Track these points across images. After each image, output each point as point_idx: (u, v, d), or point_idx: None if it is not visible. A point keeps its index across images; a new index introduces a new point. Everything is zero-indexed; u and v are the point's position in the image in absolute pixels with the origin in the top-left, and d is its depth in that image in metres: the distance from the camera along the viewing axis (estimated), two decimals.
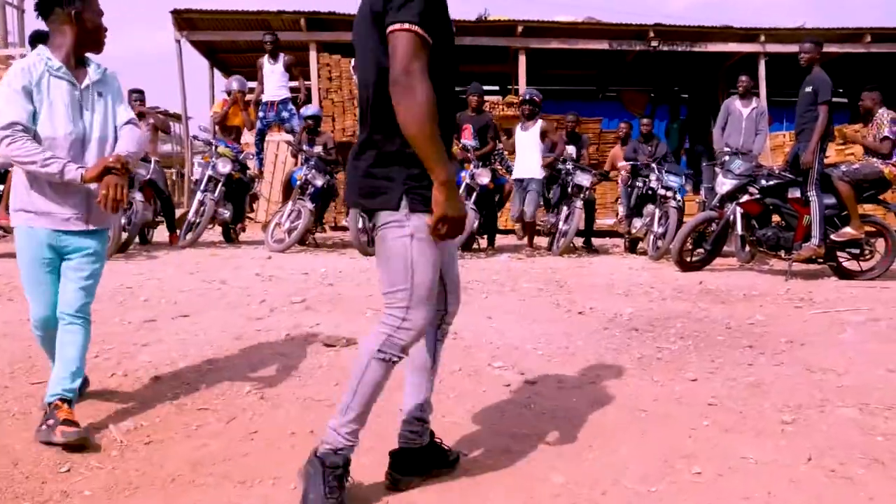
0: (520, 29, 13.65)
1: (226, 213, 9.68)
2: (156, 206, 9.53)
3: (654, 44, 13.81)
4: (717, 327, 4.90)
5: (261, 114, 10.91)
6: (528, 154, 9.55)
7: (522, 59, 13.97)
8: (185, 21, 13.58)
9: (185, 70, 13.73)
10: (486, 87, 18.16)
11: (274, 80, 10.94)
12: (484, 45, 14.01)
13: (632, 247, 10.15)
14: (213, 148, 9.67)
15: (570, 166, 9.83)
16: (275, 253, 8.75)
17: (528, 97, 9.78)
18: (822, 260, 7.57)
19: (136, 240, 9.65)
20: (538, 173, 9.48)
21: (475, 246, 9.90)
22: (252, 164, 10.67)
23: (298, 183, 9.34)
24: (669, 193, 9.22)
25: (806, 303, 6.00)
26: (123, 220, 8.50)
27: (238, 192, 9.88)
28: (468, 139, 9.42)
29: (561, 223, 9.61)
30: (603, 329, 4.79)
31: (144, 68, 77.47)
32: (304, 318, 4.94)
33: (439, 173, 2.15)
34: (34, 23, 21.20)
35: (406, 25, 2.11)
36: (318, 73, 13.31)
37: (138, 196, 8.55)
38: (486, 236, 9.93)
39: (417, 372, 2.55)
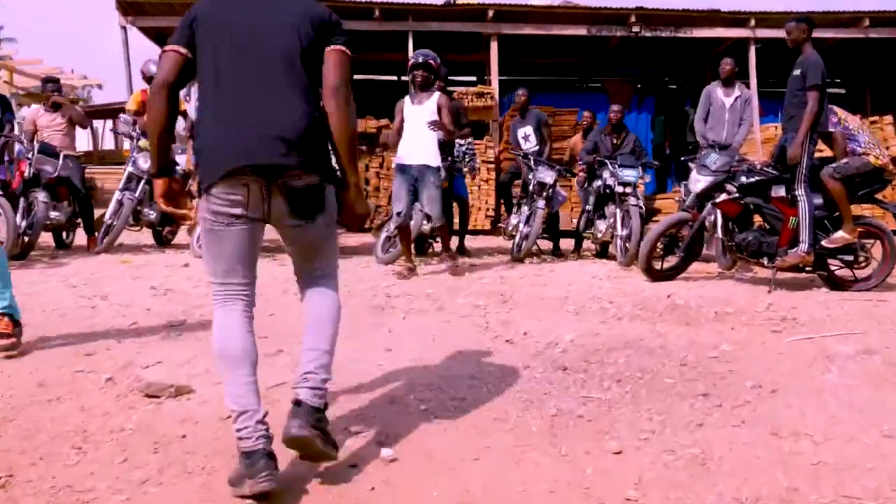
0: (490, 13, 12.62)
1: (151, 214, 8.69)
2: (75, 206, 8.58)
3: (635, 29, 12.80)
4: (670, 363, 3.91)
5: (196, 103, 9.86)
6: (419, 135, 7.00)
7: (494, 46, 12.95)
8: (130, 6, 12.58)
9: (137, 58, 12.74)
10: (460, 78, 17.25)
11: None
12: (453, 30, 12.99)
13: (602, 251, 9.15)
14: (135, 142, 8.67)
15: (530, 161, 8.86)
16: (197, 259, 7.77)
17: (420, 60, 7.15)
18: (810, 268, 6.57)
19: (55, 245, 8.71)
20: (434, 160, 7.01)
21: (430, 251, 8.94)
22: (184, 160, 9.67)
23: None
24: (628, 189, 8.24)
25: (787, 324, 5.01)
26: (23, 223, 7.54)
27: None
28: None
29: (522, 225, 8.61)
30: (524, 368, 3.80)
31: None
32: (153, 352, 3.95)
33: (354, 175, 2.68)
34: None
35: (347, 50, 2.63)
36: None
37: (41, 195, 7.57)
38: (439, 240, 8.93)
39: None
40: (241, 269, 2.57)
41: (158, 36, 13.62)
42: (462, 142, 9.34)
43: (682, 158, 8.80)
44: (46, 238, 8.49)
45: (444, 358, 3.97)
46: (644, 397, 3.35)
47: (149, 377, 3.49)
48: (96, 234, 8.51)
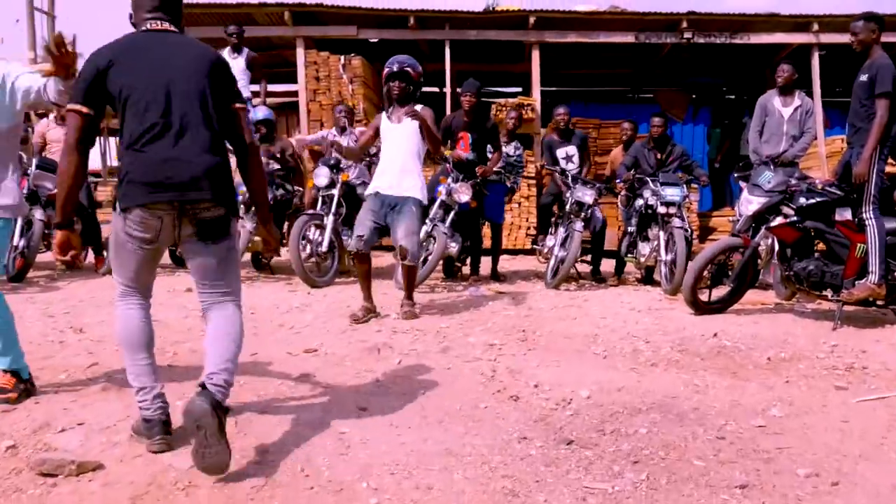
0: (532, 20, 11.88)
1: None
2: (80, 225, 8.15)
3: (687, 35, 11.90)
4: (704, 436, 3.14)
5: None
6: (399, 160, 5.80)
7: (536, 55, 12.21)
8: None
9: None
10: (502, 90, 16.57)
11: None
12: (491, 39, 12.32)
13: (646, 277, 8.34)
14: None
15: (568, 179, 8.13)
16: None
17: (395, 68, 5.85)
18: (882, 303, 5.70)
19: (65, 267, 8.29)
20: (419, 191, 5.81)
21: (460, 274, 8.28)
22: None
23: (241, 199, 7.82)
24: (672, 210, 7.44)
25: (855, 375, 4.19)
26: (21, 242, 7.10)
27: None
28: (464, 150, 7.78)
29: (557, 248, 7.86)
30: (520, 440, 3.07)
31: None
32: (80, 409, 3.33)
33: (267, 215, 3.23)
34: (66, 28, 20.43)
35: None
36: (304, 72, 11.84)
37: (38, 213, 7.12)
38: (469, 262, 8.25)
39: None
40: (143, 278, 2.99)
41: None
42: (511, 151, 8.66)
43: (735, 175, 7.94)
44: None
45: (426, 423, 3.28)
46: (663, 489, 2.60)
47: (58, 444, 2.89)
48: (105, 253, 8.06)
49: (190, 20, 12.17)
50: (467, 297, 6.80)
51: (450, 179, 7.54)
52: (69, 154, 2.82)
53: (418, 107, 5.88)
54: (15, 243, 7.06)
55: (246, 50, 9.48)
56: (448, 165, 7.67)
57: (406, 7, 11.91)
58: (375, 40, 12.82)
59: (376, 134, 6.08)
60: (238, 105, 3.02)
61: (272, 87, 12.89)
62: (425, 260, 7.26)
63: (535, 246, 9.02)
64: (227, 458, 2.58)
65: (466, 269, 8.27)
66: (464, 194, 7.44)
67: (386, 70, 5.94)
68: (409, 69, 5.89)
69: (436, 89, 16.80)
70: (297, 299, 6.38)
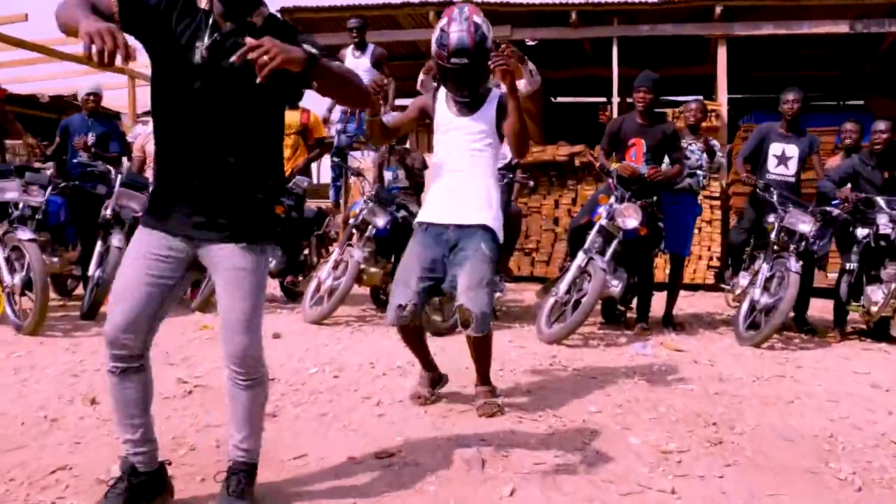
0: (719, 10, 9.87)
1: (271, 262, 7.02)
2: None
3: None
4: None
5: (338, 125, 8.07)
6: (461, 166, 3.77)
7: (723, 53, 10.17)
8: (297, 23, 11.26)
9: None
10: (679, 99, 14.46)
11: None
12: (667, 35, 10.43)
13: (879, 331, 6.20)
14: None
15: (775, 198, 6.17)
16: (301, 327, 5.96)
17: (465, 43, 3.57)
18: None
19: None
20: (488, 215, 3.72)
21: (623, 319, 6.52)
22: (328, 197, 7.95)
23: (352, 222, 6.48)
24: None
25: None
26: (97, 272, 6.06)
27: (290, 233, 7.17)
28: (636, 160, 6.08)
29: (758, 291, 5.92)
30: None
31: None
32: None
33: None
34: None
35: None
36: None
37: (115, 240, 6.02)
38: (635, 305, 6.46)
39: None
40: None
41: None
42: (695, 147, 6.73)
43: None
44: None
45: None
46: None
47: None
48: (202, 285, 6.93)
49: (311, 27, 11.18)
50: (630, 359, 5.06)
51: (613, 199, 5.86)
52: None
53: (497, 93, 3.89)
54: (91, 272, 6.05)
55: (371, 46, 8.17)
56: (611, 181, 5.97)
57: (566, 1, 10.27)
58: (532, 43, 11.25)
59: (420, 117, 3.99)
60: None
61: (406, 102, 11.46)
62: (577, 303, 5.62)
63: (723, 286, 7.05)
64: None
65: (631, 314, 6.50)
66: (631, 218, 5.73)
67: (439, 48, 3.64)
68: (483, 42, 3.60)
69: (601, 99, 15.02)
70: (405, 354, 4.88)
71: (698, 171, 6.58)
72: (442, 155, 3.83)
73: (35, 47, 11.33)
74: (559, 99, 16.23)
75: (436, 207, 3.78)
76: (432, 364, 4.00)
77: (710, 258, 9.25)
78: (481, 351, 3.79)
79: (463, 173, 3.75)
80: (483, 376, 3.86)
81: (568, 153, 9.94)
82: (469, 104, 3.77)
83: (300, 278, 7.34)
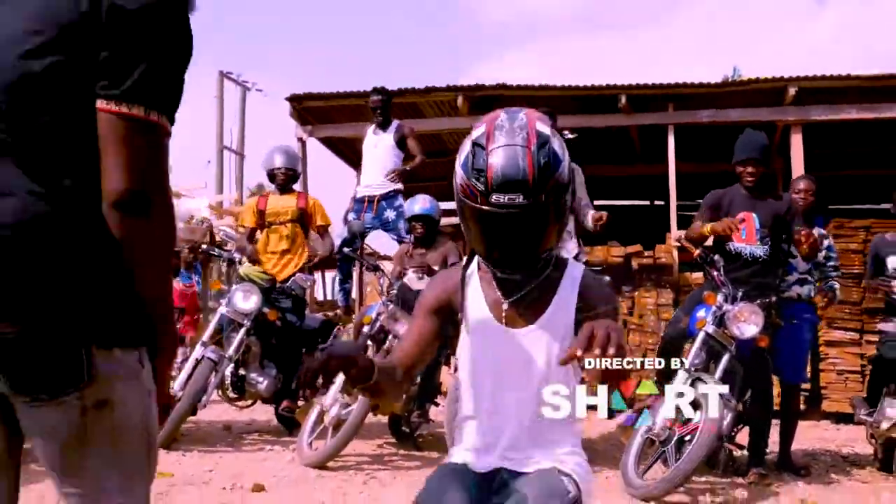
0: (792, 92, 8.58)
1: (260, 382, 5.48)
2: None
3: None
4: None
5: (352, 215, 6.59)
6: (526, 397, 1.83)
7: (797, 140, 8.82)
8: (307, 112, 10.09)
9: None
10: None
11: (378, 159, 6.59)
12: (734, 122, 9.10)
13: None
14: (235, 264, 5.59)
15: None
16: (303, 468, 4.32)
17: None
18: None
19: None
20: (569, 460, 1.79)
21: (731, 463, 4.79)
22: (336, 301, 6.42)
23: (366, 330, 4.95)
24: None
25: None
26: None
27: (287, 345, 5.63)
28: (750, 240, 4.54)
29: None
30: None
31: None
32: None
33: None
34: (255, 170, 19.41)
35: None
36: None
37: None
38: (749, 443, 4.76)
39: None
40: None
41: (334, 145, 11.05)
42: (831, 243, 5.24)
43: None
44: None
45: None
46: None
47: None
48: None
49: (324, 116, 10.13)
50: None
51: (720, 297, 4.28)
52: None
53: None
54: None
55: (396, 122, 6.79)
56: (716, 273, 4.40)
57: (614, 82, 9.02)
58: (571, 136, 9.94)
59: (440, 328, 1.91)
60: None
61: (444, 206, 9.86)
62: (680, 441, 3.98)
63: (862, 416, 5.29)
64: None
65: (739, 451, 4.79)
66: (750, 324, 4.16)
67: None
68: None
69: (646, 202, 13.67)
70: None
71: (808, 276, 5.05)
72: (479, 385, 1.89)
73: None
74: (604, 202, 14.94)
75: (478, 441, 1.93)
76: None
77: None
78: None
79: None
80: None
81: (623, 254, 8.51)
82: (523, 296, 1.81)
83: (299, 403, 5.71)
